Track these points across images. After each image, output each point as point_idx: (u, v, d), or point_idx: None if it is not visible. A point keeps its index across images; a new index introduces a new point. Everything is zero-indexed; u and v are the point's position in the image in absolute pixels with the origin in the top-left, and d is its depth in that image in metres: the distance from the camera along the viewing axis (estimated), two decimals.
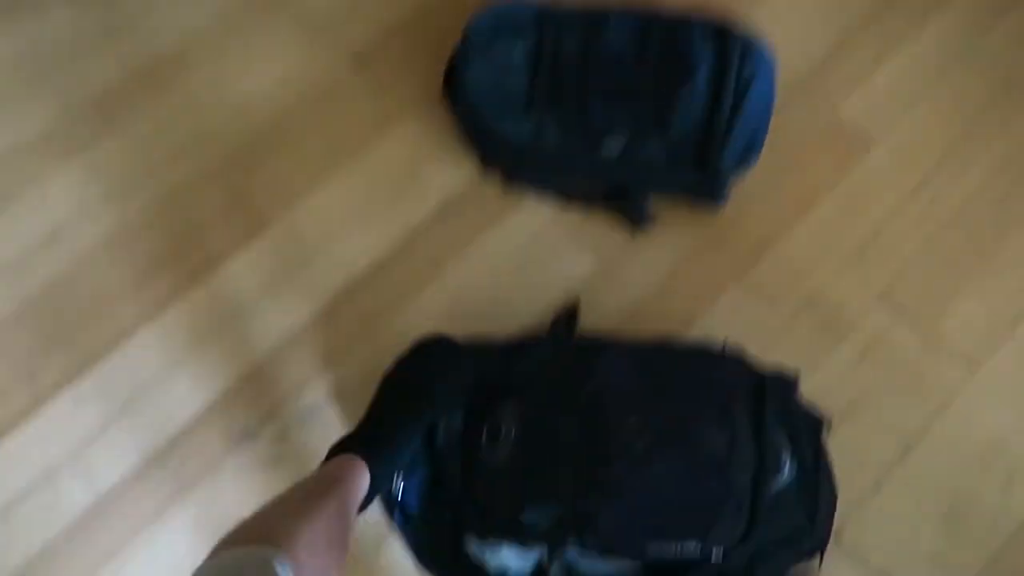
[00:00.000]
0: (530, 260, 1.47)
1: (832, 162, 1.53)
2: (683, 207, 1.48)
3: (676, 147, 1.43)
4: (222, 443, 1.36)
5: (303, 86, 1.57)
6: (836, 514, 1.25)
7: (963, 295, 1.44)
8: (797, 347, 1.41)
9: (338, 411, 1.38)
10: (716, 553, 1.16)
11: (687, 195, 1.48)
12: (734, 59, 1.38)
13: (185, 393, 1.39)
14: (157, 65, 1.57)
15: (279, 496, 0.95)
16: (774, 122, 1.43)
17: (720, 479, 1.17)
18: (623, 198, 1.47)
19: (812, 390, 1.33)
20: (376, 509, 1.29)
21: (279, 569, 0.78)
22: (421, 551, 1.27)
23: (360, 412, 1.26)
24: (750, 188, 1.49)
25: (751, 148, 1.45)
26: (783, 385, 1.29)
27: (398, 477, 1.25)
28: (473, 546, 1.24)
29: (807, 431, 1.28)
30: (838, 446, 1.29)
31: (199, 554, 1.26)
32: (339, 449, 1.12)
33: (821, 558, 1.22)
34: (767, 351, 1.37)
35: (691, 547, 1.15)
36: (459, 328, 1.40)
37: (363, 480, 1.07)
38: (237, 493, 1.34)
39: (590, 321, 1.41)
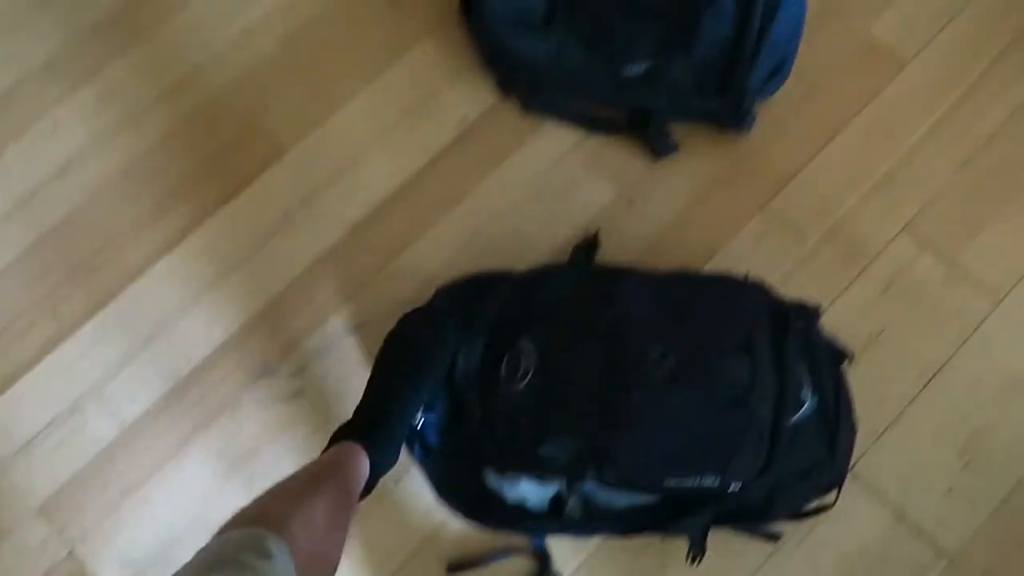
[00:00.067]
0: (549, 189, 1.44)
1: (861, 86, 1.48)
2: (706, 134, 1.44)
3: (701, 70, 1.39)
4: (242, 376, 1.37)
5: (314, 9, 1.53)
6: (854, 447, 1.26)
7: (991, 226, 1.40)
8: (820, 278, 1.38)
9: (356, 344, 1.37)
10: (734, 486, 1.17)
11: (711, 122, 1.44)
12: None
13: (204, 327, 1.39)
14: None
15: (278, 484, 0.96)
16: (803, 44, 1.39)
17: (740, 410, 1.15)
18: (645, 125, 1.43)
19: (834, 322, 1.32)
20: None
21: (273, 547, 0.78)
22: (440, 484, 1.29)
23: (376, 346, 1.26)
24: (776, 114, 1.45)
25: (778, 72, 1.41)
26: (805, 315, 1.27)
27: (419, 415, 1.26)
28: (492, 479, 1.25)
29: (828, 363, 1.27)
30: (858, 378, 1.29)
31: (222, 486, 1.31)
32: (338, 437, 1.12)
33: (839, 492, 1.23)
34: (789, 282, 1.36)
35: (709, 481, 1.16)
36: (477, 261, 1.39)
37: (363, 467, 1.07)
38: (257, 426, 1.35)
39: (610, 252, 1.39)
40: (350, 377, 1.35)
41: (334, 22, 1.53)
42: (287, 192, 1.45)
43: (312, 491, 0.95)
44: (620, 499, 1.23)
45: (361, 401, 1.18)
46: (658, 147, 1.43)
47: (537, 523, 1.26)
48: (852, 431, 1.26)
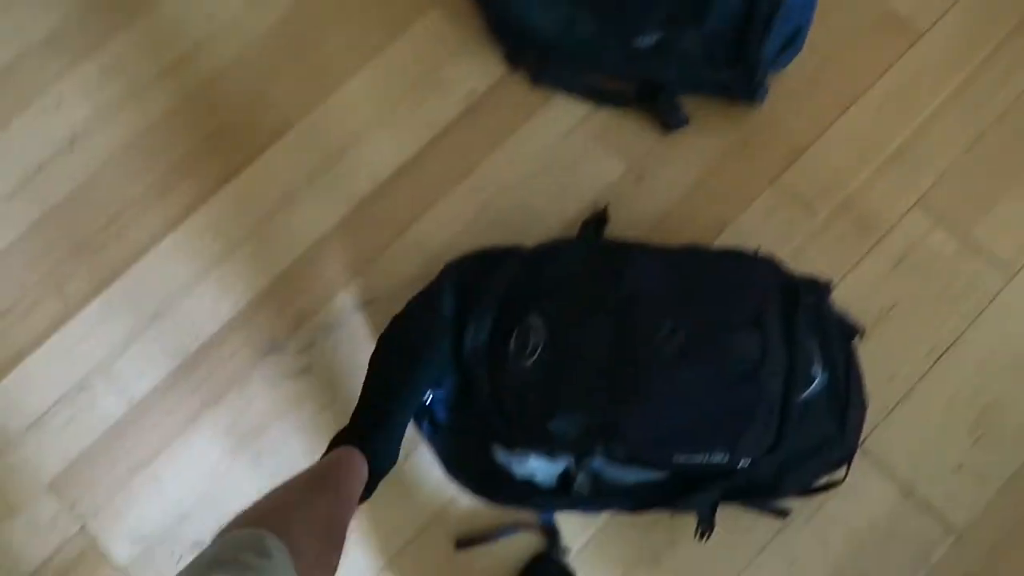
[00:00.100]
0: (557, 163, 1.43)
1: (875, 58, 1.46)
2: (717, 107, 1.42)
3: (713, 41, 1.37)
4: (249, 353, 1.36)
5: None
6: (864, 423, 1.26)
7: (1005, 200, 1.39)
8: (831, 253, 1.37)
9: (364, 320, 1.37)
10: (744, 462, 1.17)
11: (722, 95, 1.42)
12: None
13: (211, 303, 1.38)
14: None
15: (277, 487, 0.97)
16: (817, 14, 1.36)
17: (750, 386, 1.14)
18: (655, 98, 1.41)
19: (845, 297, 1.31)
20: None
21: (272, 547, 0.79)
22: (449, 461, 1.29)
23: (384, 322, 1.26)
24: (788, 86, 1.43)
25: (792, 43, 1.39)
26: (816, 291, 1.25)
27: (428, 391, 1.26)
28: (501, 455, 1.25)
29: (839, 339, 1.26)
30: (868, 354, 1.28)
31: (230, 462, 1.32)
32: (336, 442, 1.13)
33: (848, 468, 1.22)
34: (800, 257, 1.35)
35: (719, 457, 1.16)
36: (485, 236, 1.38)
37: (361, 471, 1.08)
38: (266, 402, 1.35)
39: (619, 227, 1.38)
40: (358, 353, 1.35)
41: None
42: (292, 168, 1.44)
43: (311, 495, 0.97)
44: (629, 475, 1.23)
45: (357, 404, 1.19)
46: (668, 120, 1.41)
47: (546, 499, 1.26)
48: (862, 407, 1.26)
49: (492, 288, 1.27)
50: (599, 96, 1.45)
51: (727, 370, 1.15)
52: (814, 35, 1.38)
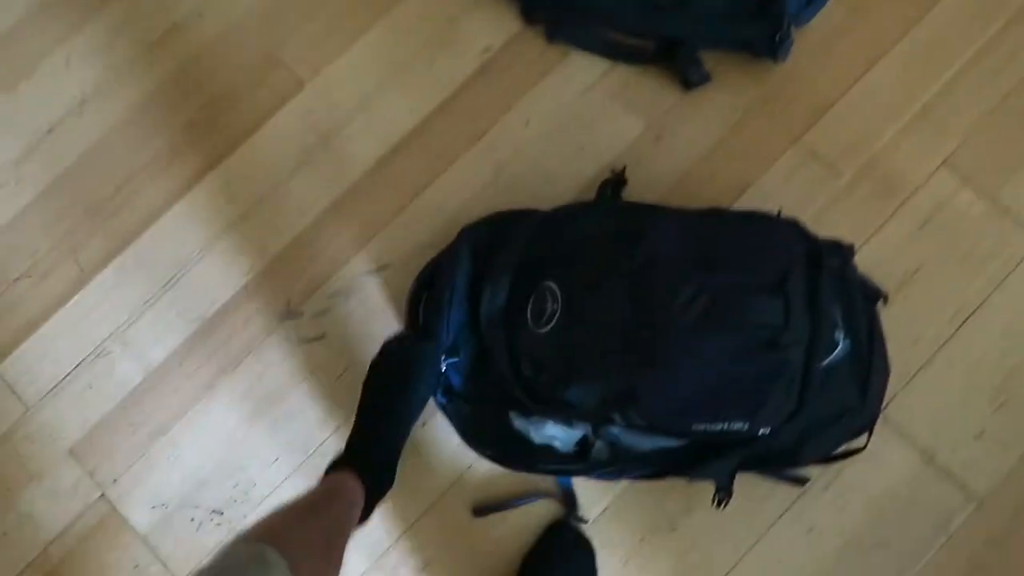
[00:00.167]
0: (574, 123, 1.40)
1: (902, 12, 1.41)
2: (739, 64, 1.38)
3: None
4: (265, 319, 1.36)
5: None
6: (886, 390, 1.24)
7: None
8: (854, 215, 1.34)
9: (379, 285, 1.36)
10: (764, 430, 1.15)
11: (744, 50, 1.38)
12: None
13: (225, 268, 1.38)
14: None
15: (278, 509, 0.99)
16: None
17: (772, 353, 1.11)
18: (675, 54, 1.37)
19: (868, 260, 1.28)
20: None
21: (273, 560, 0.82)
22: (466, 428, 1.28)
23: (399, 288, 1.25)
24: (812, 41, 1.39)
25: None
26: (839, 254, 1.23)
27: (443, 358, 1.25)
28: (518, 422, 1.25)
29: (862, 303, 1.23)
30: (891, 318, 1.26)
31: (248, 429, 1.32)
32: (333, 468, 1.15)
33: (870, 435, 1.21)
34: (823, 219, 1.32)
35: (738, 425, 1.14)
36: (500, 199, 1.36)
37: (358, 494, 1.10)
38: (282, 368, 1.34)
39: (637, 189, 1.35)
40: (373, 319, 1.35)
41: None
42: (304, 131, 1.42)
43: (310, 517, 1.00)
44: (647, 442, 1.22)
45: (352, 430, 1.20)
46: (689, 77, 1.38)
47: (563, 465, 1.25)
48: (885, 373, 1.23)
49: (509, 253, 1.25)
50: (617, 52, 1.41)
51: (748, 337, 1.12)
52: None
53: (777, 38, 1.35)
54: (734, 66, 1.38)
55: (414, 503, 1.29)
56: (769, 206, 1.25)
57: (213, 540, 1.30)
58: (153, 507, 1.31)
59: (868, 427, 1.22)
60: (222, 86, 1.43)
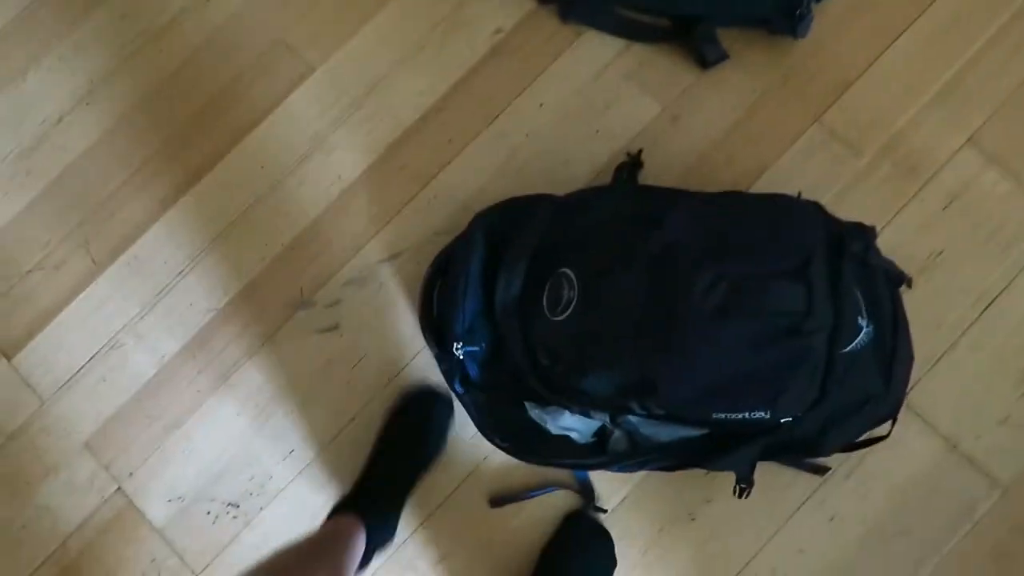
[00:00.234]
0: (589, 105, 1.37)
1: None
2: (756, 41, 1.35)
3: None
4: (279, 309, 1.35)
5: None
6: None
7: None
8: (876, 196, 1.31)
9: (392, 273, 1.34)
10: (786, 419, 1.14)
11: (762, 27, 1.34)
12: None
13: (236, 258, 1.36)
14: None
15: (280, 551, 1.00)
16: None
17: (794, 340, 1.09)
18: (692, 32, 1.34)
19: (890, 242, 1.26)
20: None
21: None
22: (482, 419, 1.26)
23: (412, 276, 1.23)
24: (832, 16, 1.35)
25: None
26: (862, 237, 1.20)
27: (459, 346, 1.23)
28: (534, 412, 1.23)
29: (885, 288, 1.21)
30: (914, 302, 1.22)
31: (263, 421, 1.31)
32: (339, 509, 1.17)
33: (894, 423, 1.18)
34: (843, 201, 1.30)
35: (760, 414, 1.13)
36: (514, 183, 1.34)
37: (360, 539, 1.11)
38: (296, 359, 1.33)
39: (654, 172, 1.33)
40: (387, 308, 1.33)
41: None
42: (314, 117, 1.40)
43: (312, 561, 1.01)
44: (666, 432, 1.20)
45: (363, 473, 1.21)
46: (706, 56, 1.35)
47: (580, 459, 1.23)
48: (909, 360, 1.20)
49: (524, 239, 1.23)
50: (632, 31, 1.38)
51: (770, 324, 1.09)
52: None
53: (797, 14, 1.31)
54: (752, 44, 1.35)
55: (431, 493, 1.28)
56: (789, 187, 1.23)
57: (229, 533, 1.30)
58: (169, 500, 1.30)
59: (892, 415, 1.19)
60: (231, 72, 1.41)
